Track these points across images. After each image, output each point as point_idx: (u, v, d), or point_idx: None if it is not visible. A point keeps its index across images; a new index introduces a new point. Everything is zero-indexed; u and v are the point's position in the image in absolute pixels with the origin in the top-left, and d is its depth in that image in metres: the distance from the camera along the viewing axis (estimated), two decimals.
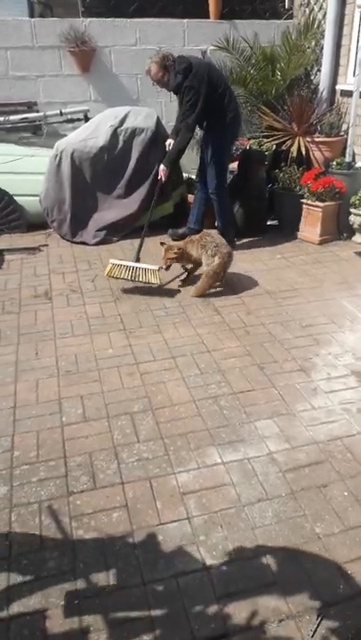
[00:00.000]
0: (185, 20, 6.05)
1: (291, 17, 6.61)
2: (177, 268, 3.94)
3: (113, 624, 1.59)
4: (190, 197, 4.97)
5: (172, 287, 3.88)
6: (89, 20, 5.81)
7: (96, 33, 5.75)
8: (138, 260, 3.86)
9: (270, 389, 2.68)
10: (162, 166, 4.14)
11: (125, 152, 4.69)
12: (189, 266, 3.91)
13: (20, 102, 5.71)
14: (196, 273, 3.87)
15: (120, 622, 1.60)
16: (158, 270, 3.70)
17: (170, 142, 4.27)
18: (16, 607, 1.64)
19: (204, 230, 4.08)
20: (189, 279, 3.92)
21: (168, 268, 3.81)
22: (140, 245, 3.99)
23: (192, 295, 3.72)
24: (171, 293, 3.79)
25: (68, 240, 4.78)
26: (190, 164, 5.69)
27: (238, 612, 1.62)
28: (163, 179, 4.14)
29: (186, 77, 3.93)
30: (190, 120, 4.03)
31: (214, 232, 4.13)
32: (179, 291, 3.84)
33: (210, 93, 4.01)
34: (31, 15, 7.58)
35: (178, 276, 4.00)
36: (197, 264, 3.83)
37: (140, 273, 3.70)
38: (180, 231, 4.60)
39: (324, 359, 2.94)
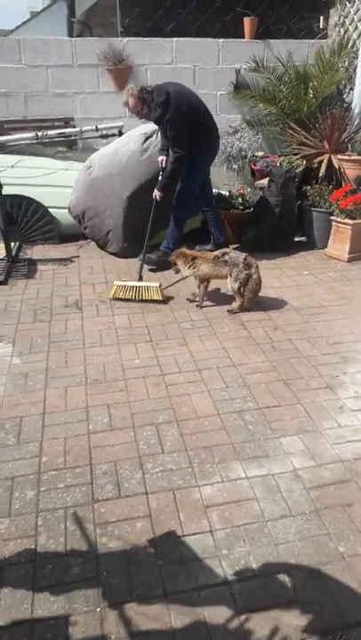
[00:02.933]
0: (220, 40, 6.16)
1: (325, 36, 6.68)
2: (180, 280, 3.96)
3: (134, 634, 1.61)
4: (223, 213, 5.01)
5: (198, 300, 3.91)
6: (127, 39, 5.98)
7: (133, 52, 5.91)
8: (140, 278, 4.04)
9: (296, 406, 2.68)
10: (156, 191, 4.18)
11: (154, 161, 4.71)
12: (183, 274, 3.90)
13: (57, 118, 5.90)
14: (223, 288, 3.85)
15: (142, 633, 1.61)
16: (160, 287, 3.86)
17: (162, 159, 4.24)
18: (40, 611, 1.67)
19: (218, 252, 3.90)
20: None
21: (177, 271, 3.90)
22: (142, 265, 4.14)
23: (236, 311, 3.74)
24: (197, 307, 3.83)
25: (100, 247, 4.87)
26: (221, 180, 5.77)
27: (259, 628, 1.62)
28: (158, 200, 4.18)
29: (166, 110, 3.96)
30: (178, 151, 4.05)
31: (230, 250, 3.99)
32: (205, 303, 3.86)
33: (193, 120, 4.08)
34: (70, 34, 7.87)
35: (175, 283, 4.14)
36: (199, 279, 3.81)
37: (143, 292, 3.85)
38: (208, 247, 4.64)
39: (352, 377, 2.92)
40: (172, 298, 3.98)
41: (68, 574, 1.79)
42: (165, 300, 3.89)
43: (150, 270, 4.41)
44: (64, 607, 1.68)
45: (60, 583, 1.76)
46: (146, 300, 3.85)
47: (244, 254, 3.76)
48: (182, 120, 4.01)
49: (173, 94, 3.99)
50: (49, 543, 1.90)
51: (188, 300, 3.93)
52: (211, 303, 3.88)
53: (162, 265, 4.36)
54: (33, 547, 1.88)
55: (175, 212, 4.40)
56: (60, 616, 1.66)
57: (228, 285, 3.73)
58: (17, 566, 1.81)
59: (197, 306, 3.83)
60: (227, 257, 3.71)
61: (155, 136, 4.76)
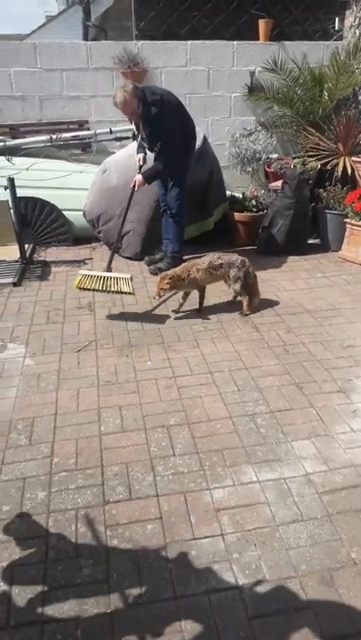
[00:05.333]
0: (234, 42, 6.16)
1: (341, 38, 6.64)
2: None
3: (144, 636, 1.60)
4: (237, 215, 5.01)
5: (210, 302, 3.91)
6: (142, 42, 6.01)
7: (148, 55, 5.93)
8: (109, 270, 3.79)
9: (309, 409, 2.66)
10: (139, 176, 3.99)
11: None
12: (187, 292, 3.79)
13: (72, 121, 5.94)
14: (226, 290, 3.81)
15: (152, 635, 1.61)
16: (130, 279, 3.61)
17: (139, 157, 4.11)
18: (50, 611, 1.68)
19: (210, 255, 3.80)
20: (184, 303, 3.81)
21: (160, 296, 3.68)
22: (112, 255, 3.94)
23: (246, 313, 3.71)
24: (209, 309, 3.82)
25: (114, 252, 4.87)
26: (235, 183, 5.77)
27: (270, 633, 1.60)
28: (136, 188, 4.00)
29: (161, 109, 3.81)
30: (168, 152, 3.94)
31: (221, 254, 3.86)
32: (217, 306, 3.85)
33: (182, 120, 4.03)
34: (85, 38, 7.93)
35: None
36: (197, 289, 3.74)
37: (111, 283, 3.62)
38: (158, 256, 4.61)
39: None
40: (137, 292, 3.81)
41: (79, 575, 1.79)
42: (134, 292, 3.67)
43: (153, 274, 4.34)
44: (74, 608, 1.69)
45: (71, 584, 1.76)
46: (113, 292, 3.64)
47: (234, 254, 3.77)
48: (176, 118, 3.95)
49: (165, 94, 3.94)
50: (60, 544, 1.91)
51: (173, 311, 3.77)
52: (223, 306, 3.87)
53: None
54: (44, 547, 1.89)
55: (177, 216, 4.34)
56: (70, 617, 1.66)
57: (231, 289, 3.72)
58: (28, 567, 1.82)
59: (197, 311, 3.75)
60: (221, 260, 3.68)
61: None
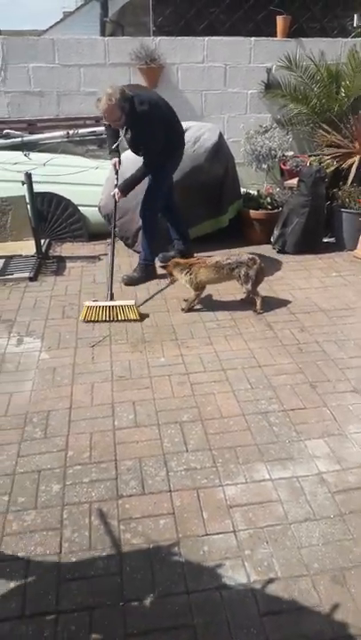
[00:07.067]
0: (252, 39, 6.13)
1: (359, 35, 6.58)
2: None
3: (156, 629, 1.62)
4: (252, 213, 4.99)
5: (224, 300, 3.91)
6: (159, 38, 6.01)
7: (165, 50, 5.93)
8: (112, 297, 3.72)
9: (322, 409, 2.65)
10: (116, 190, 3.91)
11: (184, 160, 4.69)
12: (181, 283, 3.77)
13: (89, 116, 5.96)
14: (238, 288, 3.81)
15: (163, 629, 1.62)
16: (135, 305, 3.61)
17: (115, 162, 4.01)
18: (64, 602, 1.70)
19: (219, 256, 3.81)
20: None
21: (173, 282, 3.80)
22: (111, 281, 3.81)
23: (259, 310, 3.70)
24: (223, 306, 3.82)
25: (127, 246, 4.89)
26: (250, 180, 5.74)
27: (281, 631, 1.61)
28: (117, 200, 3.94)
29: (148, 120, 3.69)
30: (152, 163, 3.86)
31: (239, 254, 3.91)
32: (231, 303, 3.85)
33: (168, 127, 3.87)
34: (102, 33, 7.94)
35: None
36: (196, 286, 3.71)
37: (117, 312, 3.57)
38: (171, 253, 4.51)
39: None
40: (147, 315, 3.67)
41: (93, 568, 1.81)
42: (142, 318, 3.61)
43: (126, 284, 4.17)
44: (88, 600, 1.71)
45: (84, 576, 1.79)
46: (121, 321, 3.55)
47: (244, 253, 3.76)
48: (161, 127, 3.79)
49: (154, 105, 3.75)
50: (74, 536, 1.93)
51: (182, 309, 3.76)
52: (236, 304, 3.87)
53: (147, 277, 4.25)
54: (58, 539, 1.92)
55: (147, 221, 4.19)
56: (83, 608, 1.68)
57: (243, 288, 3.72)
58: (42, 558, 1.85)
59: (183, 309, 3.74)
60: (230, 260, 3.67)
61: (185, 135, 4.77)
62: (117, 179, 3.98)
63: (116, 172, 4.01)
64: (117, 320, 3.56)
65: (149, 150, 3.85)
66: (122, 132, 3.94)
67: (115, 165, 4.02)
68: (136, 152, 3.97)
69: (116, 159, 4.04)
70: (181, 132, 4.10)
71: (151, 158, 3.86)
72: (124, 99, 3.58)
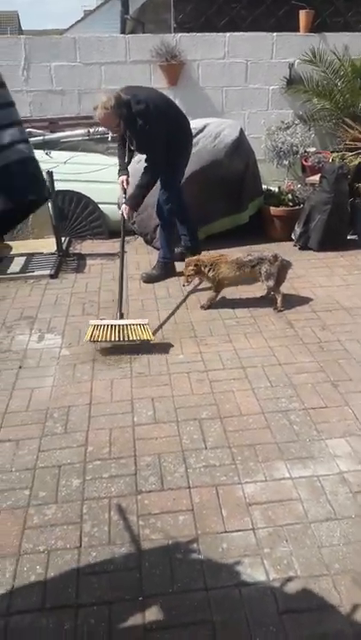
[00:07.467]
0: (274, 34, 6.06)
1: None
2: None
3: (174, 624, 1.62)
4: (273, 210, 4.95)
5: (243, 297, 3.88)
6: (180, 35, 5.99)
7: (186, 47, 5.91)
8: (121, 315, 3.42)
9: (344, 408, 2.62)
10: (124, 206, 3.81)
11: (203, 155, 4.66)
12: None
13: None
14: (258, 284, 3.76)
15: (182, 624, 1.62)
16: (147, 324, 3.24)
17: (123, 179, 3.93)
18: (84, 596, 1.72)
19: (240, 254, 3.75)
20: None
21: (188, 282, 3.74)
22: (121, 295, 3.54)
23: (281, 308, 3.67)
24: (242, 304, 3.80)
25: (146, 242, 4.90)
26: (271, 176, 5.69)
27: (301, 629, 1.60)
28: (126, 217, 3.84)
29: (146, 120, 3.60)
30: (156, 164, 3.78)
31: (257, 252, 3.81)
32: (250, 301, 3.83)
33: (171, 127, 3.80)
34: (123, 31, 7.95)
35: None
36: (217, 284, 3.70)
37: (127, 332, 3.18)
38: (178, 250, 4.43)
39: None
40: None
41: (112, 562, 1.83)
42: (153, 338, 3.23)
43: (145, 282, 4.18)
44: (107, 594, 1.72)
45: (104, 571, 1.80)
46: (131, 341, 3.20)
47: (266, 251, 3.72)
48: (161, 124, 3.69)
49: (152, 103, 3.66)
50: (93, 531, 1.94)
51: (202, 306, 3.74)
52: (256, 301, 3.84)
53: (166, 275, 4.24)
54: (78, 533, 1.93)
55: (165, 222, 4.21)
56: (103, 602, 1.69)
57: (264, 285, 3.69)
58: (63, 551, 1.87)
59: (202, 307, 3.72)
60: (250, 257, 3.63)
61: (204, 131, 4.76)
62: (125, 197, 3.88)
63: (124, 192, 3.93)
64: (128, 341, 3.19)
65: (153, 149, 3.79)
66: (128, 141, 3.89)
67: (122, 184, 3.94)
68: (141, 153, 3.95)
69: (124, 177, 3.96)
70: (187, 128, 4.04)
71: (157, 158, 3.81)
72: (120, 104, 3.53)
